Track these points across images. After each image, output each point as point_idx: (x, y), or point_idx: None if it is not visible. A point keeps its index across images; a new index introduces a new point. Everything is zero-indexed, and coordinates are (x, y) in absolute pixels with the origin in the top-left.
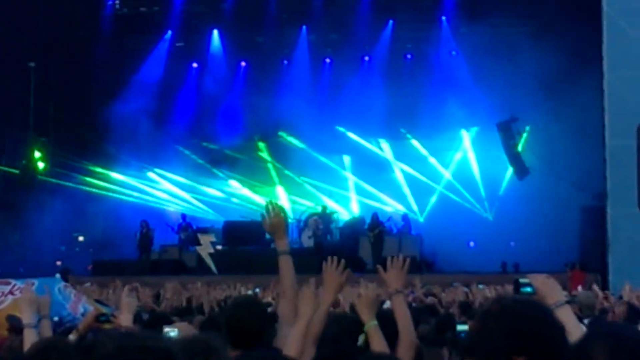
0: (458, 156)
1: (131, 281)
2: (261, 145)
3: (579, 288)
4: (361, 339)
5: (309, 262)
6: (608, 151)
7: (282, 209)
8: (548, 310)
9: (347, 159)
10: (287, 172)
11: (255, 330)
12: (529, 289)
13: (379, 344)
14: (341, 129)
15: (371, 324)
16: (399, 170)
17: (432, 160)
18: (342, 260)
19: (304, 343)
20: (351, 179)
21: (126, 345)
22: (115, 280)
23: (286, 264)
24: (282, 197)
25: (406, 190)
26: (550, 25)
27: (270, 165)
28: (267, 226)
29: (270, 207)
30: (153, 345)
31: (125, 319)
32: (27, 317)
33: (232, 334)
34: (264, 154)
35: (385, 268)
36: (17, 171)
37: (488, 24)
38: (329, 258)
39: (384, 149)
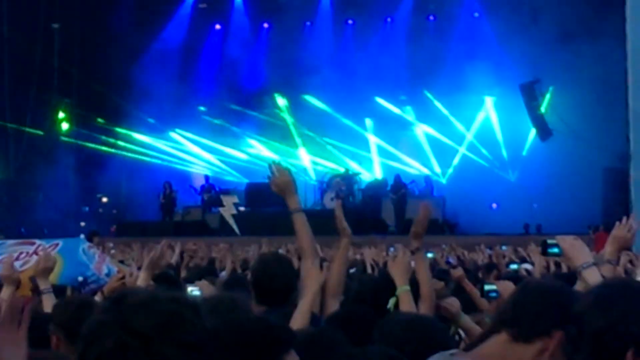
0: (480, 117)
1: (154, 243)
2: (284, 106)
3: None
4: (391, 302)
5: (331, 224)
6: (631, 113)
7: (286, 168)
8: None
9: (369, 121)
10: (309, 133)
11: (282, 288)
12: (556, 250)
13: (409, 309)
14: (364, 90)
15: (404, 288)
16: (422, 132)
17: (455, 122)
18: None
19: (309, 316)
20: (373, 140)
21: (157, 294)
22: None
23: (300, 222)
24: (305, 159)
25: (429, 151)
26: None
27: (292, 127)
28: (275, 187)
29: (273, 168)
30: (182, 297)
31: (142, 278)
32: (43, 283)
33: (258, 290)
34: (286, 115)
35: (407, 230)
36: (41, 132)
37: None
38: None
39: (407, 110)
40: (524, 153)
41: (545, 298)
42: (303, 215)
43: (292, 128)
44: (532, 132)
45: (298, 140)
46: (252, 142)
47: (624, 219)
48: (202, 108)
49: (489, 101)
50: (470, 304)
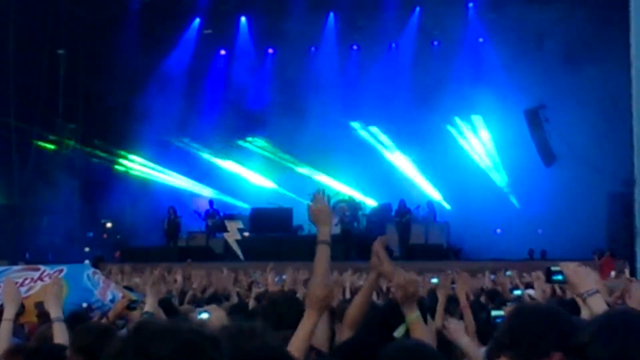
0: (485, 142)
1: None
2: (287, 131)
3: (612, 274)
4: (402, 329)
5: (335, 250)
6: (636, 137)
7: (328, 197)
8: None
9: (373, 142)
10: (313, 157)
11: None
12: (560, 277)
13: (421, 336)
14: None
15: (414, 315)
16: (426, 157)
17: (460, 145)
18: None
19: (308, 346)
20: (378, 164)
21: (178, 324)
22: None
23: (323, 254)
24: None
25: (432, 176)
26: (577, 9)
27: (294, 151)
28: (312, 215)
29: (317, 195)
30: (202, 329)
31: (149, 304)
32: (54, 311)
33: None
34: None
35: (411, 255)
36: (45, 157)
37: (515, 9)
38: (376, 243)
39: (410, 134)
40: (528, 178)
41: (541, 320)
42: (328, 250)
43: (294, 153)
44: (536, 157)
45: (301, 164)
46: (255, 167)
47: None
48: (207, 134)
49: (494, 126)
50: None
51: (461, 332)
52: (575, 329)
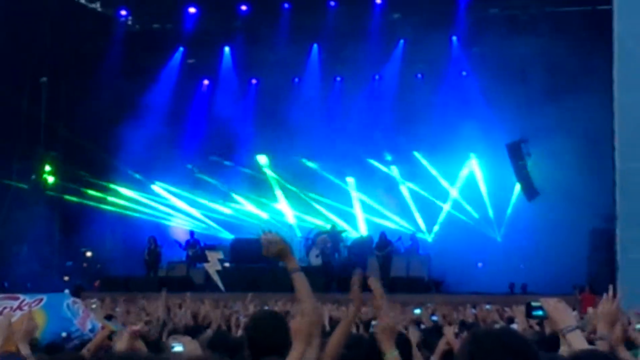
0: (466, 176)
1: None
2: (269, 162)
3: (590, 310)
4: None
5: (316, 281)
6: (618, 174)
7: (276, 234)
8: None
9: (352, 179)
10: (294, 189)
11: (277, 345)
12: (540, 313)
13: None
14: (350, 148)
15: (393, 353)
16: (407, 190)
17: (441, 179)
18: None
19: None
20: (357, 197)
21: (135, 354)
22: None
23: (300, 281)
24: (289, 215)
25: (414, 209)
26: (559, 41)
27: (276, 184)
28: (271, 255)
29: (263, 239)
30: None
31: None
32: (24, 348)
33: (253, 347)
34: (270, 172)
35: (393, 288)
36: (26, 185)
37: (498, 42)
38: (355, 277)
39: (392, 167)
40: (510, 212)
41: (500, 344)
42: (302, 274)
43: (276, 185)
44: (517, 190)
45: (283, 196)
46: (238, 197)
47: (608, 293)
48: (189, 165)
49: (475, 160)
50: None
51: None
52: (535, 354)
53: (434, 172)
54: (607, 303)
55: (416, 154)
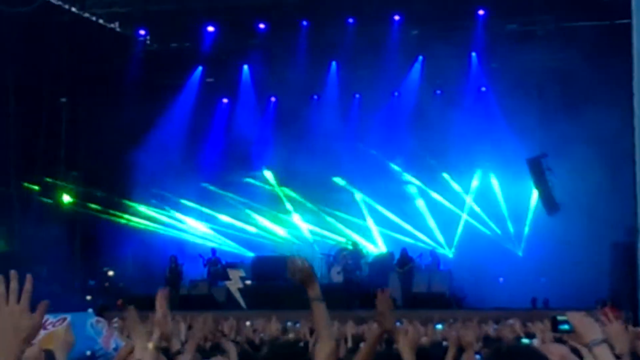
0: (486, 191)
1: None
2: (285, 179)
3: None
4: None
5: (337, 298)
6: (639, 187)
7: (303, 260)
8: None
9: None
10: (315, 207)
11: None
12: (566, 327)
13: None
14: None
15: None
16: (428, 206)
17: (462, 195)
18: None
19: None
20: (376, 213)
21: None
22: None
23: (320, 311)
24: (309, 232)
25: (434, 225)
26: (578, 58)
27: (297, 201)
28: (295, 280)
29: (290, 265)
30: None
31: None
32: (61, 358)
33: None
34: (289, 189)
35: (414, 304)
36: (47, 205)
37: (516, 59)
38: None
39: (413, 183)
40: (531, 226)
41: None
42: (323, 305)
43: (297, 202)
44: (537, 205)
45: (303, 214)
46: (256, 216)
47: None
48: (207, 184)
49: (495, 175)
50: None
51: None
52: None
53: (453, 187)
54: (613, 325)
55: (436, 170)
